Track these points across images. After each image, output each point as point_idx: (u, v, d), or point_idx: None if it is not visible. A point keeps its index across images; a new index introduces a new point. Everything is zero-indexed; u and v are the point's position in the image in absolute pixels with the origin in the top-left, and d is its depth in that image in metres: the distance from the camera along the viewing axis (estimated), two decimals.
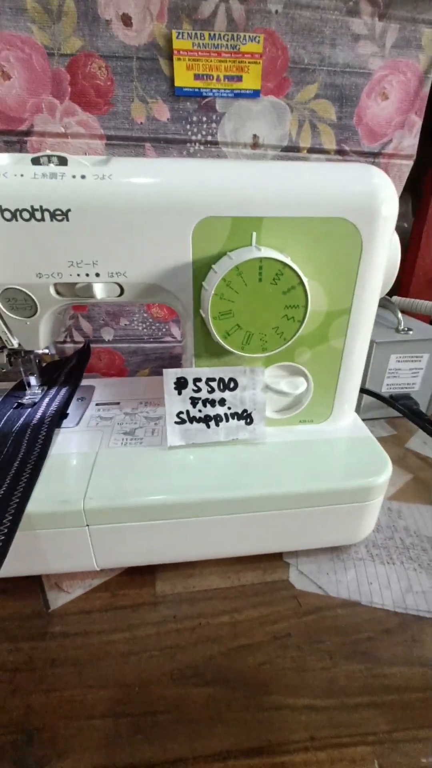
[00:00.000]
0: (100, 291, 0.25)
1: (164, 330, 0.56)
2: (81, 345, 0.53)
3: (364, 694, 0.22)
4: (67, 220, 0.22)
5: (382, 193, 0.25)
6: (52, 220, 0.22)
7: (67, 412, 0.34)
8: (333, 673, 0.23)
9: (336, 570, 0.29)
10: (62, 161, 0.22)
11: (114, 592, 0.27)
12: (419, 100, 0.48)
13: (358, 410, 0.48)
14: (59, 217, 0.22)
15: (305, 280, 0.24)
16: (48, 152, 0.22)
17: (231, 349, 0.26)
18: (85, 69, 0.41)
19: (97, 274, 0.24)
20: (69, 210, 0.22)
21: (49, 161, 0.22)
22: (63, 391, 0.36)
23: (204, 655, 0.24)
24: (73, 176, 0.22)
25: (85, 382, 0.40)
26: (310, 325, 0.27)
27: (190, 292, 0.26)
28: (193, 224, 0.23)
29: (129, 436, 0.31)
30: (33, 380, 0.35)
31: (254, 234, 0.24)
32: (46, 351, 0.32)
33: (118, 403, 0.36)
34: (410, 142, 0.50)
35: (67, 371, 0.41)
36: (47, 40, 0.40)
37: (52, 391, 0.36)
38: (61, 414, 0.33)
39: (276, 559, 0.30)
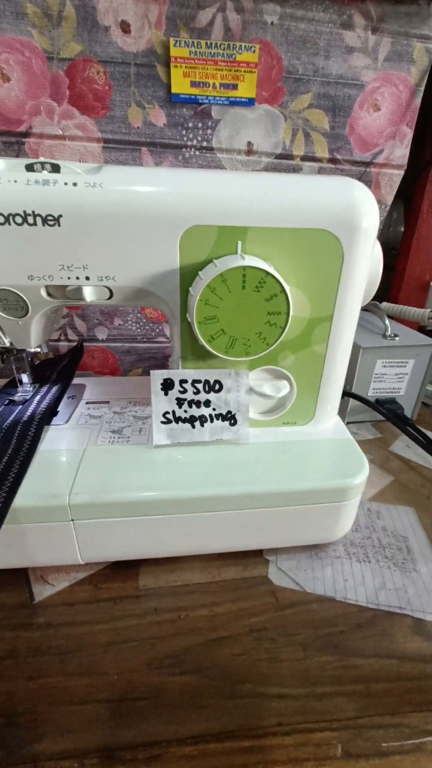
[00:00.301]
0: (89, 294, 0.26)
1: (157, 330, 0.57)
2: (75, 343, 0.54)
3: (334, 683, 0.23)
4: (59, 225, 0.23)
5: (362, 206, 0.26)
6: (44, 225, 0.23)
7: (58, 409, 0.35)
8: (305, 664, 0.24)
9: (314, 567, 0.30)
10: (55, 168, 0.23)
11: (98, 585, 0.28)
12: (410, 111, 0.49)
13: (344, 413, 0.50)
14: (51, 223, 0.23)
15: (287, 288, 0.25)
16: (42, 159, 0.23)
17: (215, 353, 0.27)
18: (83, 73, 0.42)
19: (87, 278, 0.25)
20: (60, 216, 0.23)
21: (43, 168, 0.23)
22: (54, 389, 0.37)
23: (182, 645, 0.25)
24: (65, 183, 0.23)
25: (77, 380, 0.41)
26: (292, 330, 0.28)
27: (177, 296, 0.26)
28: (181, 232, 0.24)
29: (116, 434, 0.32)
30: (25, 378, 0.36)
31: (239, 243, 0.25)
32: (39, 350, 0.33)
33: (108, 402, 0.36)
34: (401, 153, 0.51)
35: (60, 369, 0.41)
36: (47, 44, 0.41)
37: (44, 389, 0.37)
38: (51, 412, 0.34)
39: (256, 555, 0.31)
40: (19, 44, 0.40)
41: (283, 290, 0.25)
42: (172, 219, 0.24)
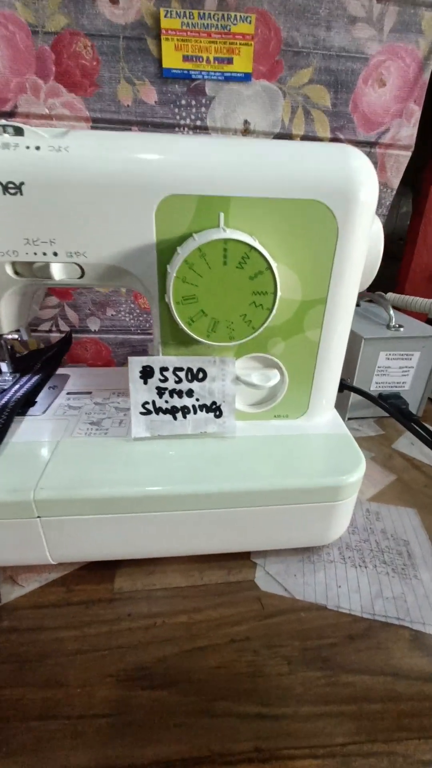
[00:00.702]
0: (58, 271, 0.24)
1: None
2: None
3: (320, 703, 0.21)
4: (21, 194, 0.21)
5: (360, 176, 0.23)
6: (4, 194, 0.21)
7: (36, 400, 0.33)
8: (289, 680, 0.22)
9: (305, 572, 0.28)
10: (18, 131, 0.21)
11: (70, 587, 0.26)
12: (418, 87, 0.46)
13: (345, 409, 0.47)
14: (12, 191, 0.21)
15: (274, 264, 0.23)
16: (2, 122, 0.21)
17: (196, 337, 0.24)
18: (70, 48, 0.40)
19: (55, 254, 0.23)
20: (23, 183, 0.21)
21: (4, 131, 0.21)
22: (35, 378, 0.35)
23: (155, 656, 0.22)
24: (27, 147, 0.21)
25: (62, 371, 0.39)
26: (282, 314, 0.26)
27: (155, 275, 0.24)
28: (156, 202, 0.22)
29: (95, 426, 0.30)
30: (3, 367, 0.34)
31: (221, 215, 0.23)
32: (16, 337, 0.31)
33: (90, 393, 0.35)
34: (408, 132, 0.48)
35: (45, 359, 0.40)
36: (31, 17, 0.39)
37: (24, 379, 0.35)
38: (26, 401, 0.32)
39: (243, 558, 0.29)
40: (2, 17, 0.39)
41: (269, 267, 0.22)
42: (146, 187, 0.22)
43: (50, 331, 0.55)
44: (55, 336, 0.56)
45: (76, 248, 0.23)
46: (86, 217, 0.22)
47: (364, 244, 0.26)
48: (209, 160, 0.22)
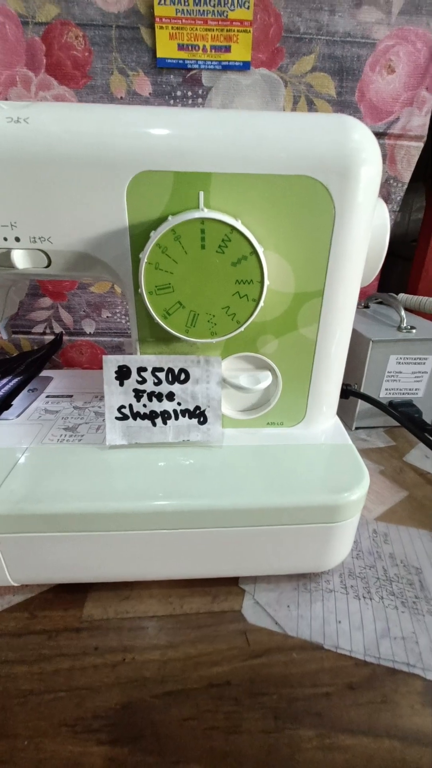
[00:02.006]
0: (21, 259, 0.21)
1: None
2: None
3: None
4: None
5: (362, 151, 0.20)
6: None
7: (12, 403, 0.31)
8: (274, 740, 0.18)
9: (299, 602, 0.24)
10: None
11: (34, 613, 0.23)
12: (430, 74, 0.43)
13: (352, 417, 0.43)
14: None
15: (260, 249, 0.20)
16: None
17: (173, 332, 0.21)
18: (61, 39, 0.39)
19: (17, 239, 0.21)
20: None
21: None
22: (14, 381, 0.33)
23: (119, 701, 0.19)
24: None
25: (47, 373, 0.37)
26: (273, 308, 0.23)
27: (129, 263, 0.22)
28: (127, 180, 0.20)
29: (69, 432, 0.27)
30: None
31: (201, 194, 0.20)
32: None
33: (71, 396, 0.32)
34: (420, 122, 0.45)
35: (29, 362, 0.38)
36: (21, 8, 0.38)
37: (3, 381, 0.33)
38: (1, 405, 0.30)
39: (231, 584, 0.25)
40: None
41: (254, 251, 0.20)
42: (116, 162, 0.19)
43: (44, 333, 0.54)
44: (49, 339, 0.54)
45: (40, 233, 0.21)
46: (50, 196, 0.20)
47: (366, 229, 0.23)
48: (186, 133, 0.20)
